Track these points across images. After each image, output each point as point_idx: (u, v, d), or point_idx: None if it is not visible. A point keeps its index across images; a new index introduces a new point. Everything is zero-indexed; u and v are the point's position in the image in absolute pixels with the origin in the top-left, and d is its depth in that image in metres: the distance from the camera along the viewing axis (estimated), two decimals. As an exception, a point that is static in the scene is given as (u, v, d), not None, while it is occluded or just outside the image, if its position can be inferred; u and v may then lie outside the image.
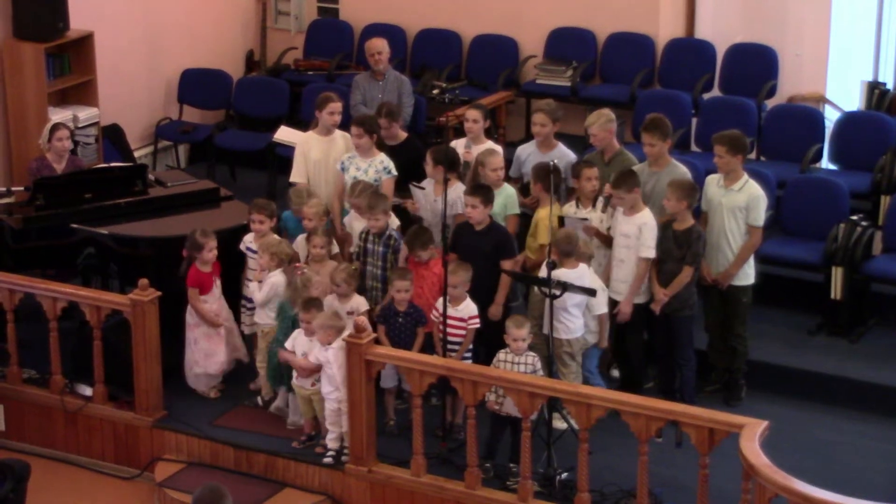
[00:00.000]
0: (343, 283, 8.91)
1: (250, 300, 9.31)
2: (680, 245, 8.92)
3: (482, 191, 9.13)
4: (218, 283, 9.29)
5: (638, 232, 8.90)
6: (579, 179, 9.35)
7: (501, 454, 8.51)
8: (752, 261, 9.27)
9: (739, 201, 9.13)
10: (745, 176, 9.20)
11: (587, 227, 9.17)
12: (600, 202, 9.29)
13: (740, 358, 9.38)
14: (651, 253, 8.91)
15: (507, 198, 9.49)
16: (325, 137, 10.21)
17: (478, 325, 8.72)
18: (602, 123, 9.60)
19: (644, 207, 8.99)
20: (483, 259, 8.98)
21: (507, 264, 9.02)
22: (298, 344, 8.68)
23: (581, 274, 8.77)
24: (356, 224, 9.59)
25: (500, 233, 9.14)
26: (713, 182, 9.29)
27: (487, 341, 8.90)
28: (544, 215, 9.12)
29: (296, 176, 10.19)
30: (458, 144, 10.06)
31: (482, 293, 8.94)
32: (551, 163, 9.03)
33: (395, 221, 9.51)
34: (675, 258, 8.95)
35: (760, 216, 9.16)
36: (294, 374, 8.73)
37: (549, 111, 9.83)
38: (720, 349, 9.47)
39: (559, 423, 8.52)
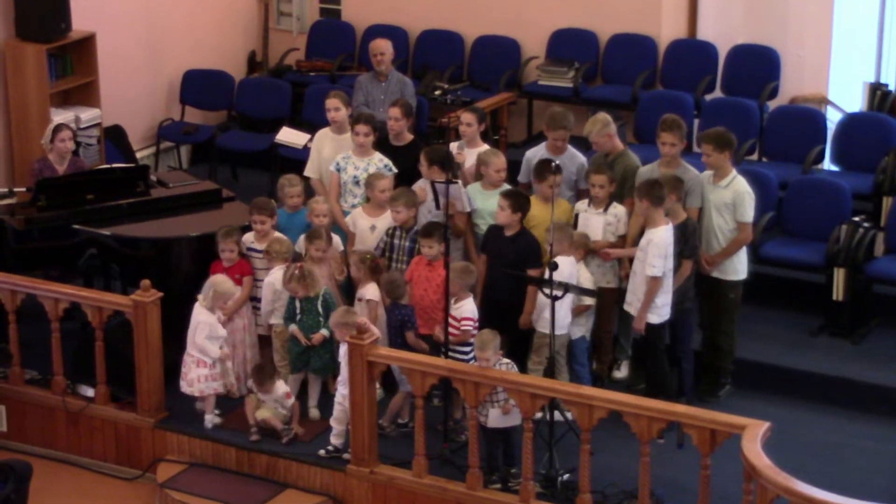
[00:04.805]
0: (354, 265, 9.02)
1: (260, 300, 9.32)
2: (676, 239, 8.89)
3: (514, 196, 9.07)
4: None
5: (647, 246, 8.81)
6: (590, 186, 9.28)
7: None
8: (743, 257, 9.26)
9: (726, 197, 9.11)
10: (734, 172, 9.18)
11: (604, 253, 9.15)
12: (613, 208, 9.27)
13: (725, 356, 9.34)
14: (654, 271, 8.67)
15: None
16: (337, 136, 10.18)
17: (469, 328, 8.62)
18: (599, 130, 9.52)
19: (662, 223, 8.76)
20: (507, 266, 8.93)
21: (531, 274, 8.87)
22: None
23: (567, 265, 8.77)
24: (360, 222, 9.59)
25: (526, 242, 9.02)
26: (704, 179, 9.28)
27: (513, 351, 8.60)
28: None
29: (309, 171, 10.19)
30: (452, 146, 9.93)
31: (505, 300, 8.91)
32: (554, 162, 9.02)
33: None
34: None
35: (747, 212, 9.12)
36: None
37: (569, 123, 9.69)
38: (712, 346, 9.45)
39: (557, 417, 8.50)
